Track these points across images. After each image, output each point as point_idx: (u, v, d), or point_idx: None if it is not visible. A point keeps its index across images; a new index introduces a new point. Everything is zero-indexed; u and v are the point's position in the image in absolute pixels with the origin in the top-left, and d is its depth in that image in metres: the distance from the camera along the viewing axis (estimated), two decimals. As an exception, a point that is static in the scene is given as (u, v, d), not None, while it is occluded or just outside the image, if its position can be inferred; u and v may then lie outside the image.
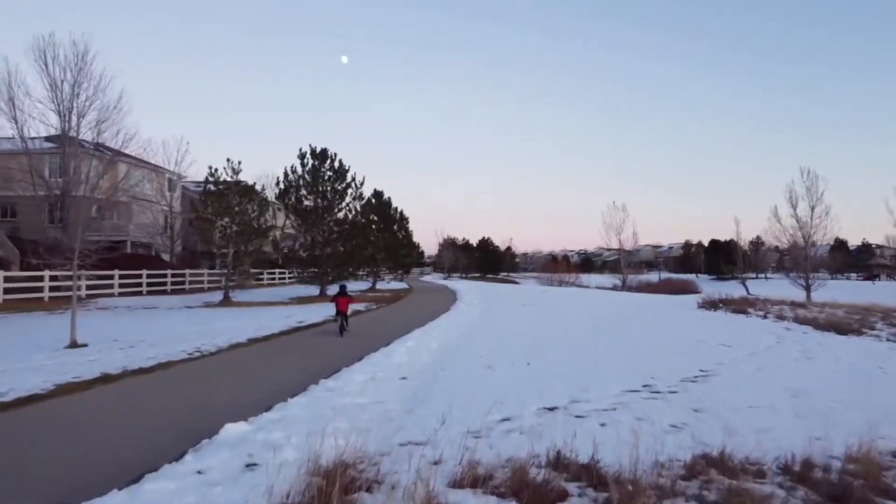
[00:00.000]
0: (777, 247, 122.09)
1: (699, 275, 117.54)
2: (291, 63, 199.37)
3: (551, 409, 7.54)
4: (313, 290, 31.18)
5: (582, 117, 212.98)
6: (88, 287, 27.23)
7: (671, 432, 6.66)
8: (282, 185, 30.34)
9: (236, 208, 26.48)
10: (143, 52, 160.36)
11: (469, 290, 38.76)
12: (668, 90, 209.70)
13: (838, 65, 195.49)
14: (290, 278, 39.24)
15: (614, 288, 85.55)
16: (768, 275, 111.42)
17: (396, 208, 41.41)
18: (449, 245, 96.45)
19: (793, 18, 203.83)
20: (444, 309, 23.71)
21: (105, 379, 8.69)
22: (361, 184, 31.81)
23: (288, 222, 32.49)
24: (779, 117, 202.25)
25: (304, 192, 30.69)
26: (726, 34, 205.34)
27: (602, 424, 6.86)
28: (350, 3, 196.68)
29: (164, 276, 33.07)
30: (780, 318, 23.59)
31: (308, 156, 30.73)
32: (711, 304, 30.78)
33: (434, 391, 8.38)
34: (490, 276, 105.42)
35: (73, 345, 11.96)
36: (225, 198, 26.43)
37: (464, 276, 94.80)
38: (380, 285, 40.49)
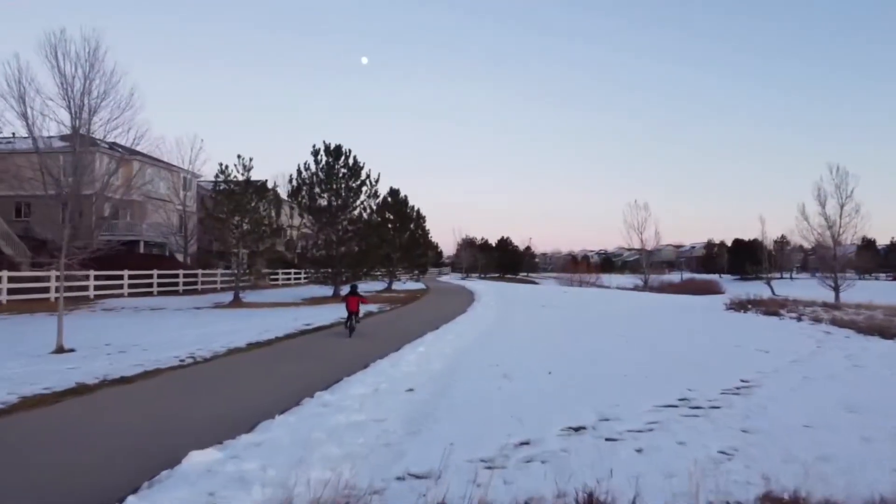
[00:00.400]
0: (802, 246, 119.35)
1: (722, 275, 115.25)
2: (309, 62, 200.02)
3: (577, 430, 6.52)
4: (327, 291, 30.40)
5: (603, 117, 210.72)
6: (97, 287, 26.73)
7: (722, 461, 5.61)
8: (295, 183, 29.61)
9: (248, 206, 25.75)
10: (157, 52, 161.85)
11: (487, 291, 37.74)
12: (690, 90, 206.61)
13: (854, 63, 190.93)
14: (304, 279, 38.52)
15: (635, 288, 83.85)
16: (793, 275, 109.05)
17: (413, 207, 40.78)
18: (467, 245, 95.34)
19: (818, 16, 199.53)
20: (460, 311, 22.74)
21: (78, 390, 7.85)
22: (376, 181, 31.03)
23: (302, 221, 31.71)
24: (803, 115, 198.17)
25: (317, 190, 29.93)
26: (749, 32, 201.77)
27: (638, 451, 5.83)
28: (369, 1, 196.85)
29: (176, 276, 32.56)
30: (816, 320, 22.21)
31: (322, 153, 29.96)
32: (740, 306, 29.41)
33: (443, 406, 7.40)
34: (509, 276, 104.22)
35: (60, 350, 11.19)
36: (236, 196, 25.72)
37: (482, 276, 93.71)
38: (396, 286, 39.67)
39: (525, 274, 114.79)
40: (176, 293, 31.74)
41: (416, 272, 42.47)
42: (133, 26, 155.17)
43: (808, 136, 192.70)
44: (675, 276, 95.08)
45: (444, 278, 76.71)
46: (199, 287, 33.95)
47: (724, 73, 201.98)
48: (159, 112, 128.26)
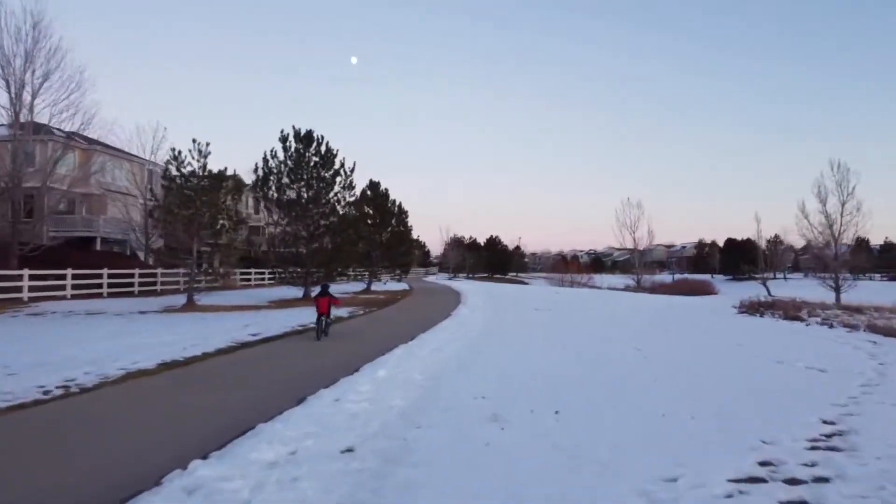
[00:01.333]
0: (793, 246, 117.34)
1: (714, 275, 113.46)
2: (296, 62, 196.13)
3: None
4: (298, 293, 27.42)
5: (591, 117, 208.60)
6: (34, 289, 23.52)
7: None
8: (261, 173, 26.54)
9: (203, 197, 22.70)
10: (138, 50, 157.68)
11: (474, 292, 34.89)
12: (679, 89, 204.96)
13: (843, 63, 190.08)
14: (274, 279, 35.37)
15: (627, 288, 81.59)
16: (786, 275, 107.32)
17: (394, 201, 37.41)
18: (455, 244, 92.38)
19: (808, 13, 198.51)
20: (443, 315, 19.88)
21: None
22: (351, 171, 28.02)
23: (269, 216, 28.69)
24: (793, 114, 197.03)
25: (286, 180, 26.92)
26: (737, 30, 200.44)
27: None
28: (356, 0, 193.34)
29: (131, 276, 29.39)
30: (849, 326, 19.59)
31: (291, 139, 26.95)
32: (753, 308, 26.80)
33: (389, 487, 4.52)
34: (498, 276, 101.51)
35: None
36: (190, 185, 22.69)
37: (470, 276, 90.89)
38: (376, 286, 36.65)
39: (514, 274, 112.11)
40: (130, 295, 28.62)
41: (399, 272, 39.34)
42: (109, 22, 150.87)
43: (799, 136, 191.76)
44: (666, 277, 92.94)
45: (430, 278, 73.77)
46: (158, 288, 30.80)
47: (712, 71, 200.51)
48: (148, 112, 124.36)
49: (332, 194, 27.53)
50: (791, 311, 24.98)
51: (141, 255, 36.46)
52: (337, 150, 27.50)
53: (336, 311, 20.29)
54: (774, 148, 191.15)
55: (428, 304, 27.09)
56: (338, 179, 27.78)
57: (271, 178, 26.64)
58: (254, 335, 14.04)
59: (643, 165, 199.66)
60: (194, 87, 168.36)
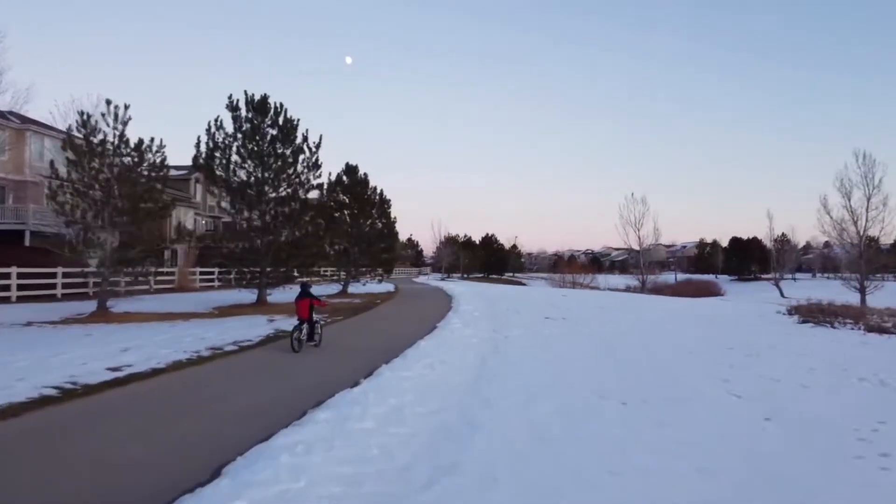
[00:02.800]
0: (802, 245, 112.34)
1: (718, 276, 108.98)
2: (288, 59, 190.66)
3: None
4: (252, 296, 22.27)
5: (587, 116, 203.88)
6: None
7: None
8: (203, 148, 21.33)
9: (113, 171, 17.60)
10: (132, 49, 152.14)
11: (469, 295, 29.78)
12: (678, 87, 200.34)
13: (846, 62, 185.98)
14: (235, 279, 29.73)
15: (629, 289, 76.83)
16: (794, 276, 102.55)
17: (375, 188, 32.23)
18: (448, 243, 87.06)
19: (810, 12, 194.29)
20: (425, 328, 14.88)
21: None
22: (317, 147, 22.76)
23: (214, 202, 23.51)
24: (795, 113, 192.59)
25: (235, 157, 21.74)
26: (740, 28, 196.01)
27: None
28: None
29: (53, 275, 24.17)
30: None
31: (242, 106, 21.79)
32: (811, 315, 21.90)
33: None
34: (494, 276, 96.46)
35: None
36: (97, 156, 17.56)
37: (465, 276, 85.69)
38: (354, 288, 31.43)
39: (511, 274, 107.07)
40: (52, 298, 23.46)
41: (381, 272, 33.92)
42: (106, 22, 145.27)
43: (801, 135, 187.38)
44: (668, 277, 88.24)
45: (420, 279, 68.56)
46: (90, 290, 25.53)
47: (710, 70, 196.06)
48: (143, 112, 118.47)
49: (293, 175, 22.31)
50: (860, 319, 20.05)
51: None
52: (298, 121, 22.34)
53: (286, 323, 15.39)
54: (777, 146, 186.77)
55: (411, 310, 22.01)
56: (301, 158, 22.59)
57: (217, 154, 21.44)
58: (117, 371, 8.83)
59: (640, 163, 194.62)
60: (183, 87, 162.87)
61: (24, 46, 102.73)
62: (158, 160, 18.73)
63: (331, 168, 57.98)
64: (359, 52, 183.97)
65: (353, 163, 30.72)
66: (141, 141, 18.41)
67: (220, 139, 21.56)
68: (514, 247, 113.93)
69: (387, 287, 36.44)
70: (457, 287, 39.64)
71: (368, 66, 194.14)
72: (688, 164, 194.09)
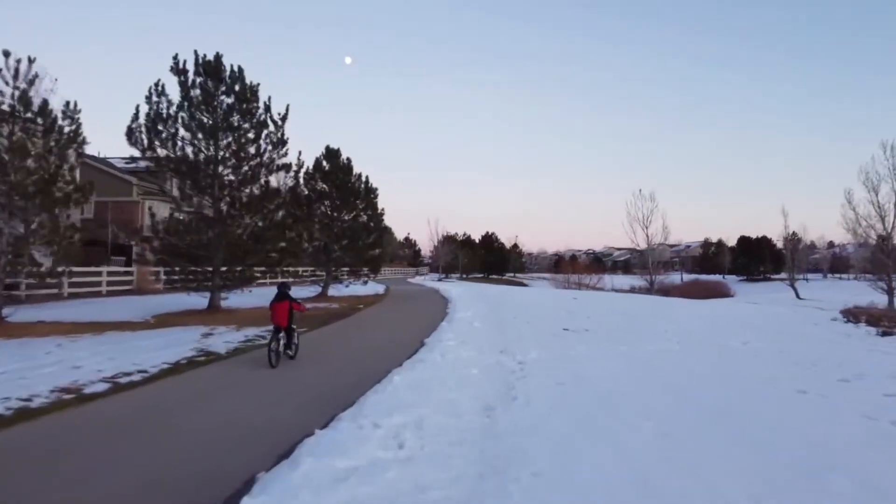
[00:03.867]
0: (811, 244, 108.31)
1: (725, 276, 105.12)
2: (289, 58, 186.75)
3: None
4: (202, 301, 18.27)
5: (587, 115, 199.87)
6: None
7: None
8: (142, 119, 17.27)
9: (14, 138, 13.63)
10: (124, 49, 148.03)
11: (467, 299, 25.75)
12: (678, 84, 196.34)
13: (854, 60, 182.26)
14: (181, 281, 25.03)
15: (633, 290, 72.98)
16: (806, 276, 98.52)
17: (360, 175, 27.93)
18: (447, 241, 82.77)
19: (820, 9, 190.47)
20: (407, 348, 10.96)
21: None
22: (282, 119, 18.72)
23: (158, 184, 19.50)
24: (800, 110, 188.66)
25: (183, 133, 17.72)
26: (744, 25, 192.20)
27: None
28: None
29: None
30: None
31: (190, 69, 17.74)
32: (877, 321, 18.02)
33: None
34: (494, 276, 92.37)
35: None
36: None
37: (464, 276, 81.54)
38: (336, 290, 27.30)
39: (512, 274, 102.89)
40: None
41: (366, 271, 29.38)
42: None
43: (806, 132, 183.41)
44: (674, 277, 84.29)
45: (416, 279, 64.45)
46: (23, 293, 21.48)
47: (712, 66, 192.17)
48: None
49: (253, 153, 18.28)
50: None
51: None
52: (258, 85, 18.29)
53: (231, 338, 11.58)
54: (781, 145, 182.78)
55: (394, 320, 18.02)
56: (264, 133, 18.56)
57: (160, 126, 17.39)
58: None
59: (640, 163, 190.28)
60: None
61: None
62: (70, 129, 14.73)
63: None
64: (357, 51, 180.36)
65: (334, 146, 26.63)
66: (46, 102, 14.39)
67: (164, 109, 17.52)
68: (515, 246, 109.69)
69: (375, 289, 32.35)
70: (454, 289, 35.57)
71: (367, 65, 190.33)
72: (689, 163, 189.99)
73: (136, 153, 17.41)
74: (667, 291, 72.33)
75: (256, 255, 17.70)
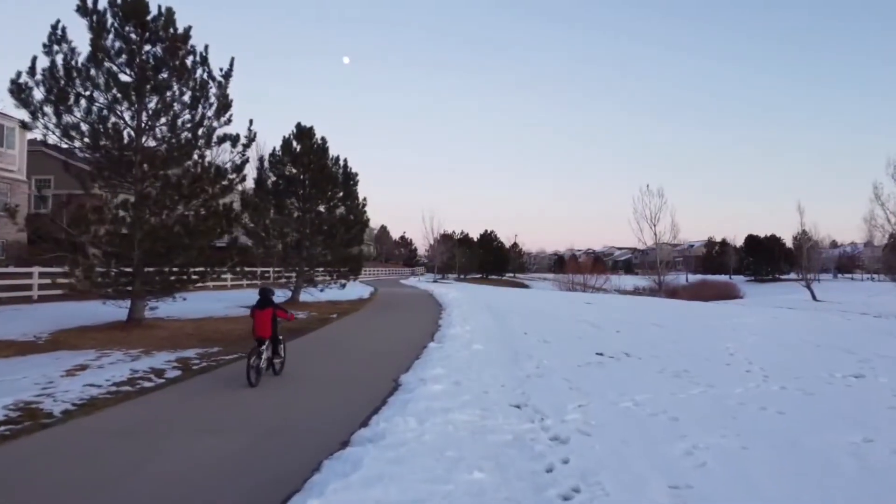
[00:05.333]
0: (820, 242, 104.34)
1: (731, 276, 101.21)
2: (286, 60, 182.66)
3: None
4: (121, 311, 14.08)
5: (584, 112, 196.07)
6: None
7: None
8: (41, 76, 13.04)
9: None
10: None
11: (465, 305, 21.59)
12: (683, 79, 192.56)
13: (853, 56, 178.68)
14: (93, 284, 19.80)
15: (636, 291, 69.24)
16: (818, 276, 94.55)
17: (336, 158, 23.26)
18: (443, 239, 78.28)
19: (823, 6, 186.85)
20: (370, 399, 6.84)
21: None
22: (226, 77, 14.43)
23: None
24: (802, 106, 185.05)
25: (81, 89, 13.43)
26: (744, 19, 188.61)
27: None
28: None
29: None
30: None
31: (104, 7, 13.48)
32: None
33: None
34: (493, 277, 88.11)
35: None
36: None
37: (462, 276, 77.26)
38: (310, 295, 22.88)
39: (512, 275, 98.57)
40: None
41: (345, 271, 23.80)
42: None
43: (806, 132, 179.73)
44: (680, 278, 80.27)
45: (410, 280, 60.16)
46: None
47: (712, 63, 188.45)
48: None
49: (185, 120, 14.05)
50: None
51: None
52: (189, 29, 14.03)
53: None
54: (784, 144, 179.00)
55: (364, 341, 13.82)
56: (210, 92, 14.33)
57: (60, 79, 13.14)
58: None
59: (642, 161, 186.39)
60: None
61: None
62: None
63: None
64: (356, 49, 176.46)
65: (306, 124, 22.22)
66: None
67: (64, 59, 13.27)
68: (515, 245, 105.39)
69: (360, 292, 28.04)
70: (450, 292, 31.37)
71: (366, 63, 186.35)
72: (689, 161, 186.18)
73: (27, 117, 13.05)
74: (674, 293, 68.46)
75: (187, 251, 13.43)
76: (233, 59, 14.50)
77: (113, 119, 13.86)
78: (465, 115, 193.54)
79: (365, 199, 23.42)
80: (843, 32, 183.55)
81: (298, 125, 21.95)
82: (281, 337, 8.78)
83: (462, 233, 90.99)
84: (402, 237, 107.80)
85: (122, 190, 14.11)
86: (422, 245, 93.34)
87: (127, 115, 13.97)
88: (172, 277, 13.99)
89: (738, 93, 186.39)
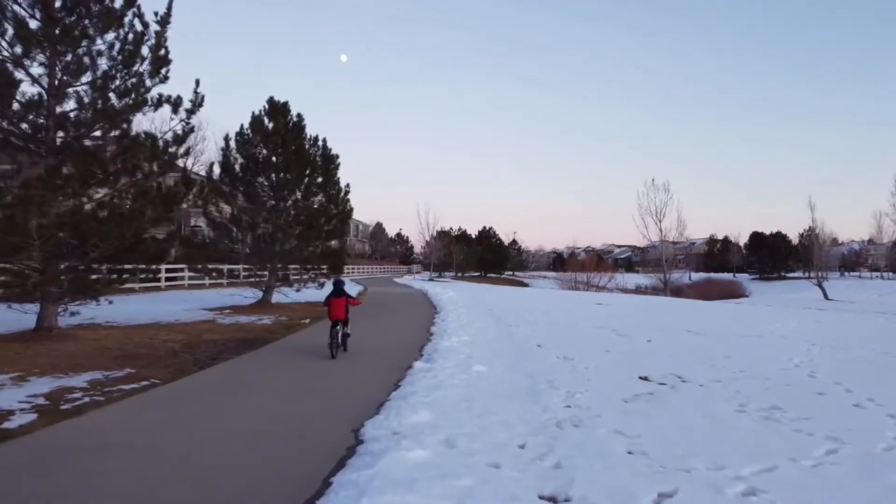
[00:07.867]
0: (830, 241, 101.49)
1: (735, 274, 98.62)
2: (283, 58, 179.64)
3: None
4: (28, 317, 11.23)
5: (585, 110, 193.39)
6: None
7: None
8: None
9: None
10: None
11: (463, 309, 18.78)
12: (683, 78, 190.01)
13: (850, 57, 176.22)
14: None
15: (638, 289, 67.05)
16: (826, 274, 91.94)
17: (315, 139, 19.99)
18: (440, 236, 75.24)
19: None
20: (307, 481, 3.82)
21: None
22: (163, 22, 11.51)
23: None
24: (804, 105, 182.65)
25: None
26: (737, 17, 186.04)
27: None
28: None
29: None
30: None
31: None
32: None
33: None
34: (492, 275, 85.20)
35: None
36: None
37: (459, 274, 74.32)
38: (283, 296, 19.84)
39: (511, 273, 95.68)
40: None
41: (324, 270, 20.49)
42: None
43: (806, 131, 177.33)
44: (682, 275, 77.67)
45: (405, 279, 57.23)
46: None
47: (712, 61, 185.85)
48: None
49: (111, 77, 11.14)
50: None
51: None
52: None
53: None
54: (784, 144, 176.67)
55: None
56: (121, 42, 11.42)
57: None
58: None
59: (642, 160, 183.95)
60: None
61: None
62: None
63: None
64: (355, 48, 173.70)
65: (280, 98, 19.23)
66: None
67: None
68: (515, 242, 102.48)
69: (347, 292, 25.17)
70: (446, 291, 28.51)
71: (364, 62, 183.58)
72: (689, 160, 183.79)
73: None
74: (679, 291, 66.17)
75: (108, 242, 10.51)
76: (170, 2, 11.53)
77: (20, 76, 10.96)
78: (463, 112, 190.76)
79: (348, 185, 20.39)
80: (843, 33, 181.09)
81: (271, 99, 18.89)
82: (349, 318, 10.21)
83: (460, 229, 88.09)
84: (398, 234, 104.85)
85: (30, 166, 11.17)
86: (418, 242, 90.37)
87: (38, 72, 11.07)
88: (94, 276, 11.06)
89: (735, 93, 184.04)
